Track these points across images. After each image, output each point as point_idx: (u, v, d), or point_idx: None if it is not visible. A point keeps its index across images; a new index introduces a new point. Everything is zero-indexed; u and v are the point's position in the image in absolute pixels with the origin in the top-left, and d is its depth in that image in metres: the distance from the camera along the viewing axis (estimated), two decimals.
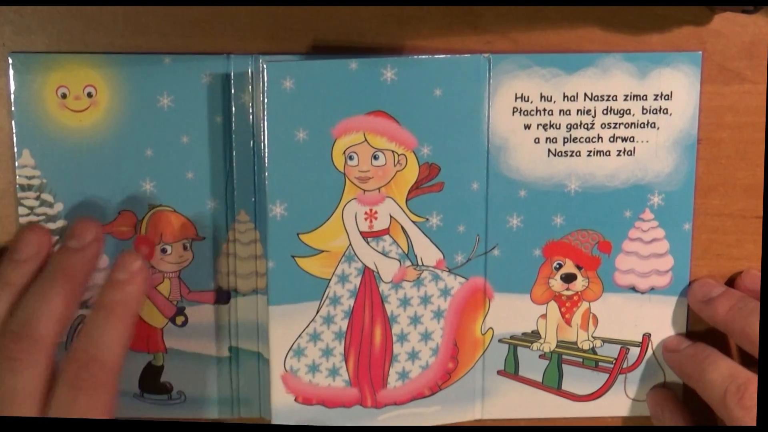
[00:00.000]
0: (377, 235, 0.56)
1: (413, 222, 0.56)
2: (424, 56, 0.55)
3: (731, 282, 0.59)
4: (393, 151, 0.55)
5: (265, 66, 0.53)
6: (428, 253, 0.57)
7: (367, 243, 0.56)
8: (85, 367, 0.51)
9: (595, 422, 0.60)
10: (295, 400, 0.57)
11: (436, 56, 0.55)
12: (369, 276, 0.57)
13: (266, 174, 0.54)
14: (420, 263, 0.57)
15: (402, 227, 0.56)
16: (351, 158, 0.55)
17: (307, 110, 0.54)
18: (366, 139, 0.55)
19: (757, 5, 0.52)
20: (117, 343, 0.52)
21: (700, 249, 0.59)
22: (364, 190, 0.56)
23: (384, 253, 0.57)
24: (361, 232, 0.56)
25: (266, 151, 0.54)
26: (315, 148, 0.54)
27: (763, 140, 0.57)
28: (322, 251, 0.56)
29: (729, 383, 0.53)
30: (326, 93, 0.54)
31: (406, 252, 0.57)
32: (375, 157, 0.55)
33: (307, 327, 0.56)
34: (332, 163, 0.55)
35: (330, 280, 0.56)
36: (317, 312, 0.56)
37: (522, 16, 0.56)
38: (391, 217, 0.56)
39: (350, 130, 0.55)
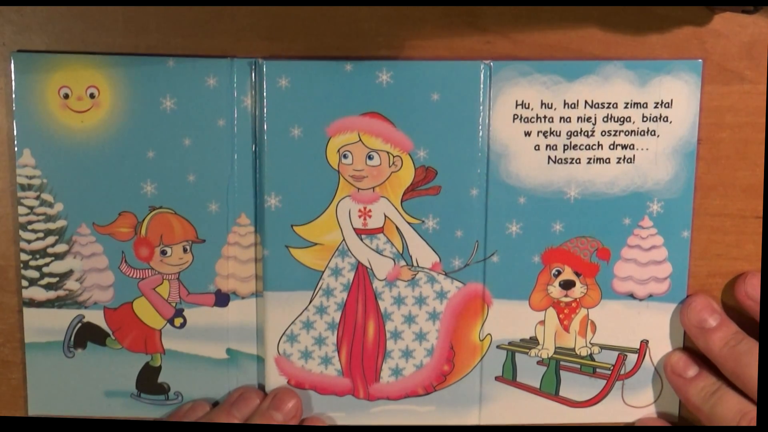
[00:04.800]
0: (371, 233, 0.57)
1: (408, 223, 0.57)
2: (420, 60, 0.55)
3: (732, 282, 0.59)
4: (388, 152, 0.56)
5: (263, 63, 0.55)
6: (424, 254, 0.57)
7: (361, 240, 0.57)
8: None
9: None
10: (288, 382, 0.58)
11: (433, 61, 0.55)
12: (362, 272, 0.57)
13: (263, 166, 0.56)
14: (415, 264, 0.57)
15: (396, 227, 0.57)
16: (345, 157, 0.56)
17: (301, 108, 0.55)
18: (361, 139, 0.55)
19: (757, 5, 0.52)
20: None
21: (700, 249, 0.58)
22: (359, 189, 0.56)
23: (378, 251, 0.57)
24: (355, 229, 0.57)
25: (263, 144, 0.55)
26: (309, 144, 0.56)
27: (763, 140, 0.57)
28: (316, 244, 0.57)
29: (740, 418, 0.54)
30: (321, 92, 0.55)
31: (401, 252, 0.57)
32: (369, 157, 0.56)
33: (300, 315, 0.58)
34: (326, 161, 0.56)
35: (323, 272, 0.57)
36: (310, 301, 0.57)
37: (522, 16, 0.56)
38: (385, 216, 0.56)
39: (344, 130, 0.55)
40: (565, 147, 0.57)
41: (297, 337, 0.58)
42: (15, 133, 0.56)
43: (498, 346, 0.59)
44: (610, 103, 0.56)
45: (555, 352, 0.59)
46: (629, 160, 0.57)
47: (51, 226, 0.57)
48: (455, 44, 0.56)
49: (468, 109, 0.56)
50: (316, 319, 0.58)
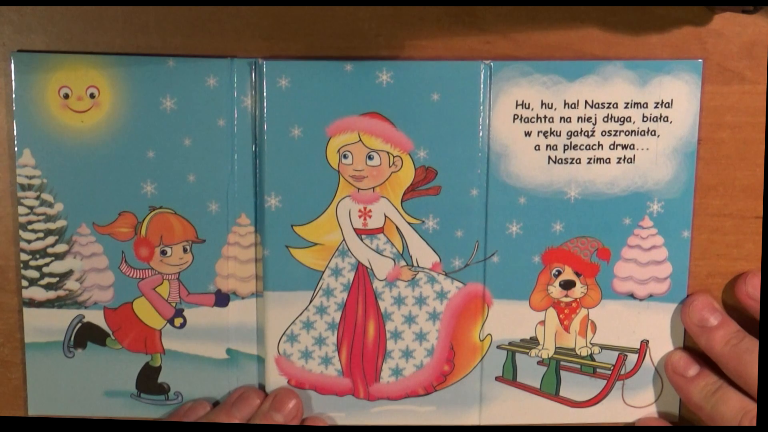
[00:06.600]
0: (371, 233, 0.57)
1: (408, 223, 0.57)
2: (420, 60, 0.55)
3: (732, 282, 0.59)
4: (388, 153, 0.56)
5: (263, 63, 0.55)
6: (424, 254, 0.57)
7: (361, 240, 0.57)
8: None
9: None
10: (288, 382, 0.59)
11: (433, 60, 0.55)
12: (363, 272, 0.57)
13: (263, 166, 0.56)
14: (415, 264, 0.57)
15: (397, 227, 0.57)
16: (345, 157, 0.56)
17: (302, 108, 0.55)
18: (361, 139, 0.55)
19: (757, 5, 0.52)
20: None
21: (700, 249, 0.58)
22: (359, 189, 0.56)
23: (378, 251, 0.57)
24: (355, 229, 0.57)
25: (263, 144, 0.55)
26: (309, 145, 0.56)
27: (763, 140, 0.57)
28: (316, 244, 0.57)
29: (741, 416, 0.54)
30: (321, 93, 0.55)
31: (401, 252, 0.57)
32: (369, 157, 0.56)
33: (300, 315, 0.58)
34: (326, 161, 0.56)
35: (323, 272, 0.57)
36: (310, 301, 0.57)
37: (522, 16, 0.56)
38: (385, 216, 0.56)
39: (344, 130, 0.55)
40: (566, 147, 0.57)
41: (297, 337, 0.58)
42: (15, 133, 0.56)
43: (498, 346, 0.59)
44: (610, 103, 0.56)
45: (555, 352, 0.59)
46: (629, 160, 0.57)
47: (51, 226, 0.57)
48: (455, 44, 0.56)
49: (468, 109, 0.56)
50: (316, 319, 0.58)
